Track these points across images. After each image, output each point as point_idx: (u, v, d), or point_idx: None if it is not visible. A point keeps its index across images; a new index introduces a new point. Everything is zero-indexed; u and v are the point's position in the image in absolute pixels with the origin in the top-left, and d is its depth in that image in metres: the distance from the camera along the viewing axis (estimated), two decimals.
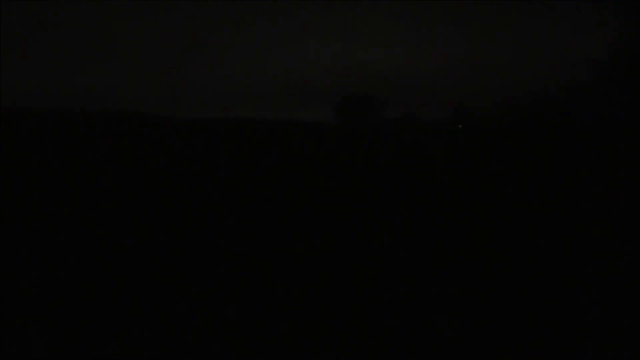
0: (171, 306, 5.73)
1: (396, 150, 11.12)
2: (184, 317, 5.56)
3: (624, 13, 9.23)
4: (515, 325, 5.38)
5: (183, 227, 8.33)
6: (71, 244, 7.51)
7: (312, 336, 5.22)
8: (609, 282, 6.12)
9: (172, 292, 6.01)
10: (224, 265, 6.84)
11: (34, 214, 8.55)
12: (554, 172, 9.47)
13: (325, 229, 8.39)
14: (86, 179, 9.68)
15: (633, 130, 8.83)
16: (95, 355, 4.89)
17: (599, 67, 9.60)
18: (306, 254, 7.23)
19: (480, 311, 5.70)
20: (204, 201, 9.55)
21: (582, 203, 8.47)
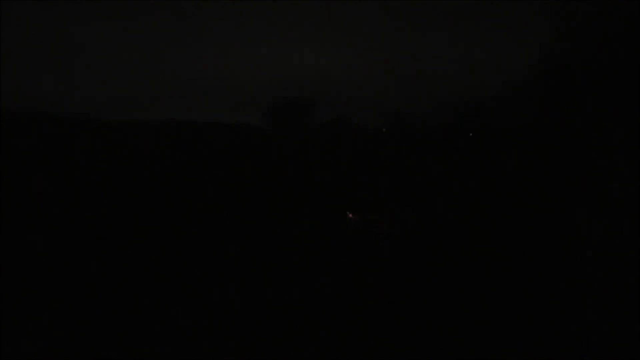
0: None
1: (328, 153, 11.14)
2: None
3: (557, 20, 9.30)
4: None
5: (108, 229, 8.21)
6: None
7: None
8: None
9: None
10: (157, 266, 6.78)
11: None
12: (484, 177, 9.52)
13: (262, 230, 8.32)
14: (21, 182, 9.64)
15: (560, 136, 8.88)
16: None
17: (531, 74, 9.72)
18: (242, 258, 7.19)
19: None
20: (137, 201, 9.46)
21: (506, 210, 8.51)
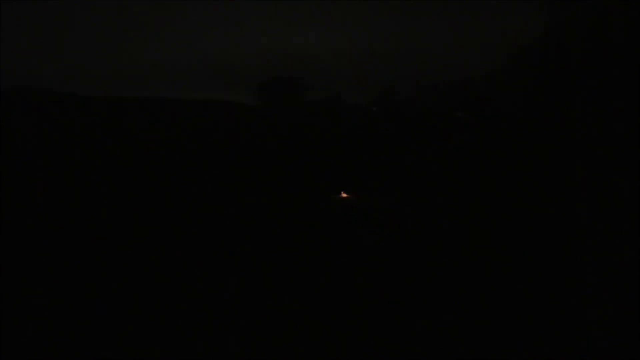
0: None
1: (322, 132, 10.98)
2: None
3: (556, 7, 9.32)
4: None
5: (98, 211, 8.10)
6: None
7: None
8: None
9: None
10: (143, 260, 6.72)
11: None
12: (476, 158, 9.40)
13: (254, 216, 8.20)
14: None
15: (550, 119, 8.83)
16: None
17: (524, 54, 9.71)
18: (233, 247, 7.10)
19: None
20: (126, 183, 9.31)
21: (500, 194, 8.43)
